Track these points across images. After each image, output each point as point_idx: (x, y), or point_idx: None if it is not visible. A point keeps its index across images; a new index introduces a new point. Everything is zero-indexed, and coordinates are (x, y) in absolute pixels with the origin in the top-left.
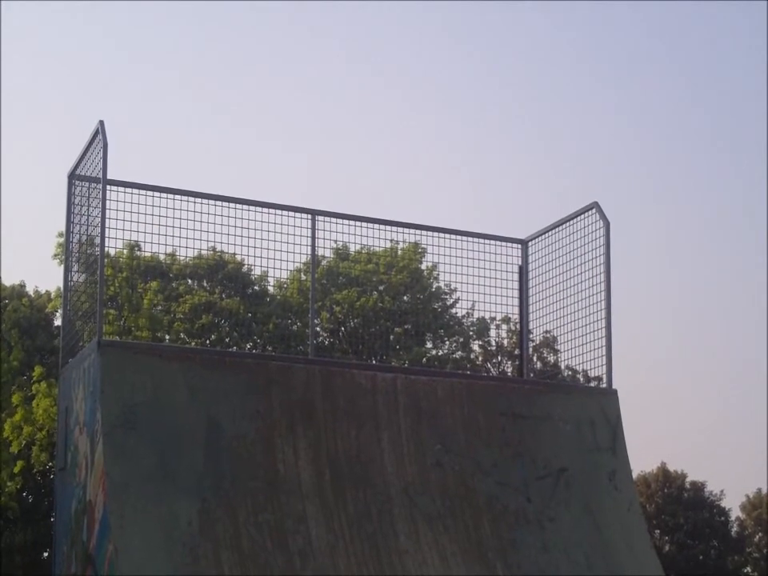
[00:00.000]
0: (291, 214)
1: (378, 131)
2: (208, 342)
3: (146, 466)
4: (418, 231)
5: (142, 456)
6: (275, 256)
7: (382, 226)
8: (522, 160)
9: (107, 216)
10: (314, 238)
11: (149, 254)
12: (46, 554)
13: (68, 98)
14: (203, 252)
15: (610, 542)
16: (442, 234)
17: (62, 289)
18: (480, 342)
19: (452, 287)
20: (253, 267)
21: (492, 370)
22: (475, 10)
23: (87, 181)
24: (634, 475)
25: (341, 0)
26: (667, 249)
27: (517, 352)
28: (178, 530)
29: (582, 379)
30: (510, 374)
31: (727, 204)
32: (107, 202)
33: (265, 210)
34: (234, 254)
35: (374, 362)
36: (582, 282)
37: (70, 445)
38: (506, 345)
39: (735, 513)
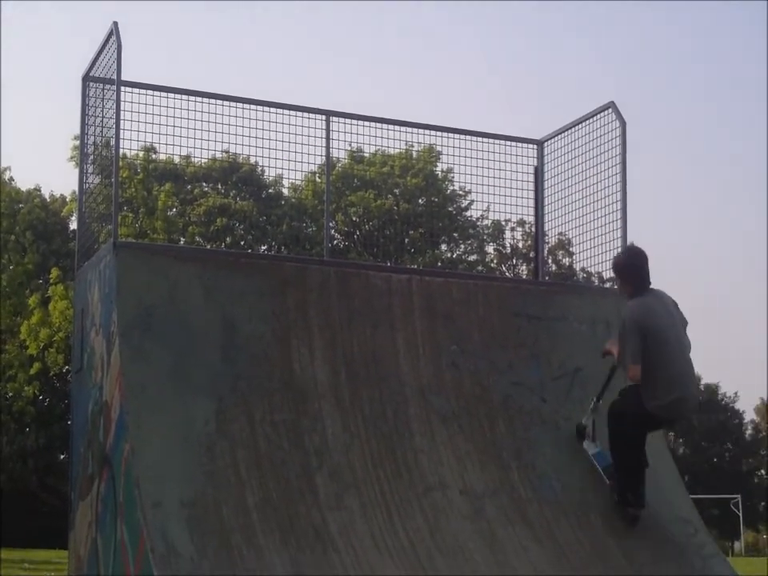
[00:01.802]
0: (306, 114)
1: (392, 30)
2: (223, 244)
3: (162, 366)
4: (433, 132)
5: (158, 357)
6: (290, 158)
7: (397, 128)
8: (537, 59)
9: (122, 118)
10: (328, 139)
11: (164, 157)
12: (62, 456)
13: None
14: (218, 155)
15: None
16: (456, 135)
17: (77, 192)
18: (495, 245)
19: (467, 189)
20: (267, 169)
21: (507, 272)
22: None
23: (102, 82)
24: None
25: None
26: (684, 149)
27: (532, 254)
28: (195, 429)
29: (596, 281)
30: (524, 276)
31: (747, 103)
32: (122, 104)
33: (279, 110)
34: (249, 155)
35: (388, 264)
36: (597, 182)
37: (86, 346)
38: (520, 247)
39: (749, 416)
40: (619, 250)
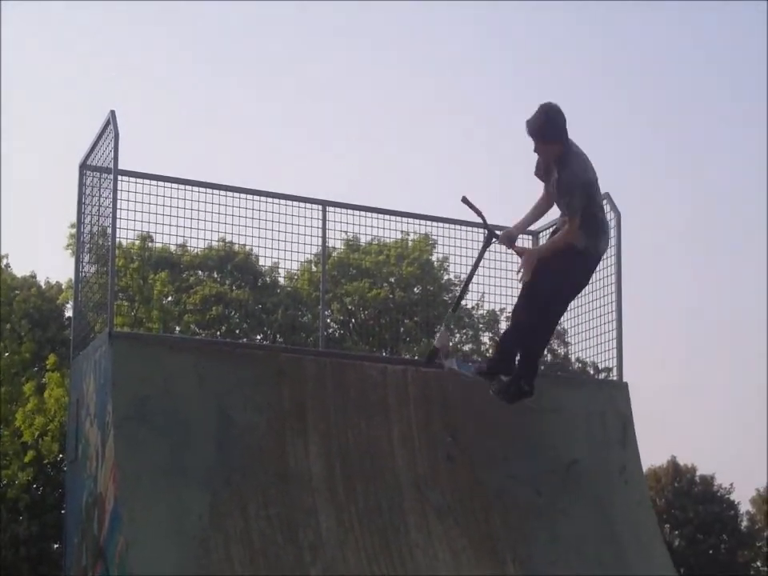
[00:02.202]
0: (302, 204)
1: (389, 123)
2: (218, 333)
3: (156, 458)
4: (428, 222)
5: (152, 448)
6: (286, 247)
7: (393, 217)
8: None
9: (118, 207)
10: (324, 229)
11: (160, 245)
12: (56, 546)
13: (80, 89)
14: (214, 243)
15: (620, 536)
16: (452, 225)
17: (73, 280)
18: (490, 334)
19: (462, 278)
20: (263, 258)
21: None
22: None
23: (98, 171)
24: (644, 469)
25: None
26: (680, 242)
27: None
28: (189, 523)
29: (592, 371)
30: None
31: (744, 199)
32: (118, 193)
33: (275, 200)
34: (245, 245)
35: (384, 353)
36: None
37: (80, 437)
38: None
39: (745, 507)
40: (614, 340)
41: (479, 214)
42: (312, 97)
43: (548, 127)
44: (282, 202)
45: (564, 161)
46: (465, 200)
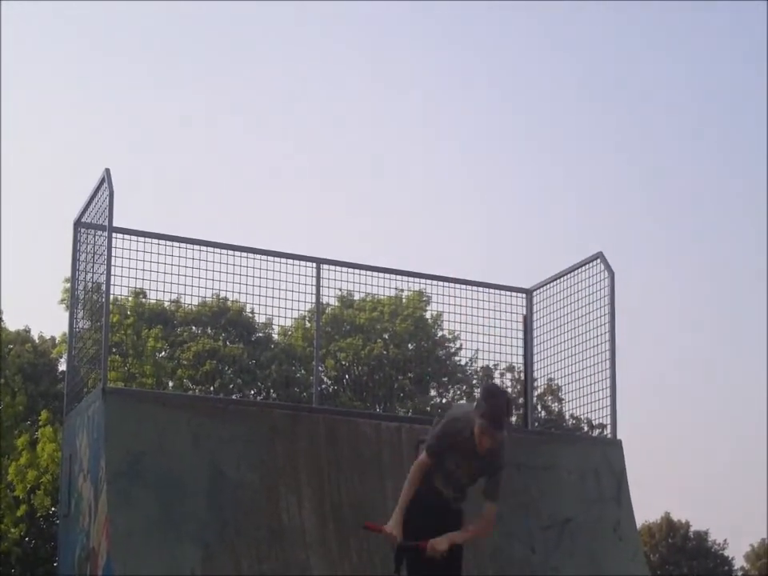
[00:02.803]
0: (296, 262)
1: (381, 179)
2: (212, 388)
3: (149, 513)
4: (422, 280)
5: (145, 504)
6: (280, 304)
7: (387, 275)
8: (526, 210)
9: (113, 264)
10: (318, 286)
11: (153, 301)
12: None
13: (75, 145)
14: (207, 299)
15: None
16: (446, 283)
17: (67, 334)
18: None
19: (456, 335)
20: (257, 314)
21: None
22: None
23: (93, 228)
24: (638, 525)
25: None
26: (674, 299)
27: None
28: None
29: (586, 427)
30: (514, 423)
31: (736, 256)
32: (113, 250)
33: (270, 258)
34: (238, 301)
35: (378, 409)
36: (587, 331)
37: (73, 491)
38: (509, 393)
39: (739, 562)
40: (608, 398)
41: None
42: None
43: (507, 406)
44: (276, 259)
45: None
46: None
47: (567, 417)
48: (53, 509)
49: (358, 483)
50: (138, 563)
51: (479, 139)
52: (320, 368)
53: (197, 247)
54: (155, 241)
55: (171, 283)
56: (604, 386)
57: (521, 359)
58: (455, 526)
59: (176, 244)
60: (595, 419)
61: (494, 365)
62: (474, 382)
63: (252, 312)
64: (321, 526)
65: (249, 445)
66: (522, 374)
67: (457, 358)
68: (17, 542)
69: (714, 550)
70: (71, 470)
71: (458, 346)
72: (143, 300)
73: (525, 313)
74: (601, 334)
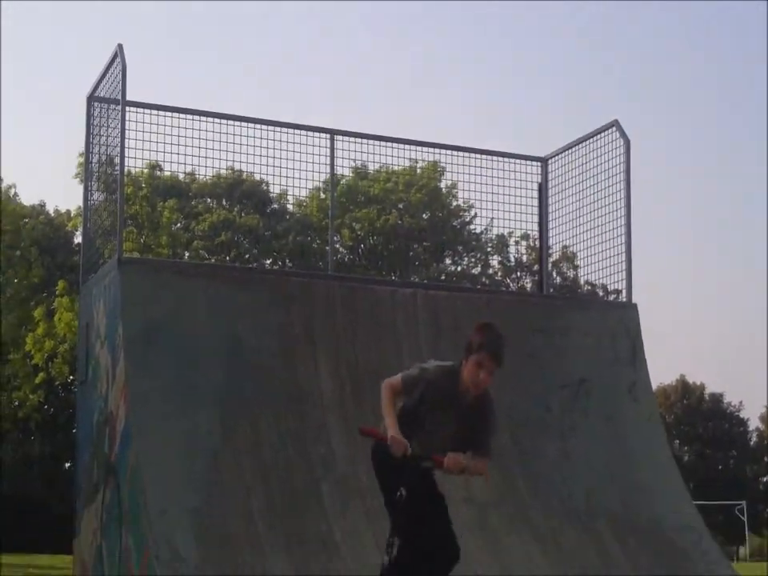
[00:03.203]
0: (310, 133)
1: (398, 48)
2: (227, 258)
3: (167, 379)
4: (437, 150)
5: (163, 370)
6: (294, 175)
7: (401, 146)
8: (543, 77)
9: (126, 137)
10: (332, 157)
11: (168, 174)
12: (67, 465)
13: (90, 19)
14: (222, 171)
15: (630, 452)
16: (461, 153)
17: (82, 207)
18: (499, 258)
19: (470, 204)
20: (272, 185)
21: (511, 285)
22: None
23: (106, 102)
24: (653, 387)
25: None
26: (689, 164)
27: (536, 268)
28: (200, 439)
29: (601, 294)
30: (529, 289)
31: (751, 117)
32: (126, 123)
33: (284, 129)
34: (254, 173)
35: (393, 278)
36: (602, 198)
37: (91, 359)
38: (525, 261)
39: (754, 423)
40: (624, 262)
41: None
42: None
43: (501, 349)
44: (291, 131)
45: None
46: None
47: (582, 283)
48: (71, 377)
49: (373, 348)
50: (156, 426)
51: (492, 4)
52: (335, 238)
53: (210, 119)
54: (169, 114)
55: (186, 155)
56: (619, 251)
57: (536, 227)
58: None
59: (189, 117)
60: (610, 284)
61: (509, 233)
62: (489, 250)
63: (267, 184)
64: (338, 389)
65: (266, 312)
66: (537, 242)
67: (471, 227)
68: (36, 409)
69: (730, 411)
70: (88, 338)
71: (472, 214)
72: (158, 173)
73: (540, 181)
74: (616, 200)
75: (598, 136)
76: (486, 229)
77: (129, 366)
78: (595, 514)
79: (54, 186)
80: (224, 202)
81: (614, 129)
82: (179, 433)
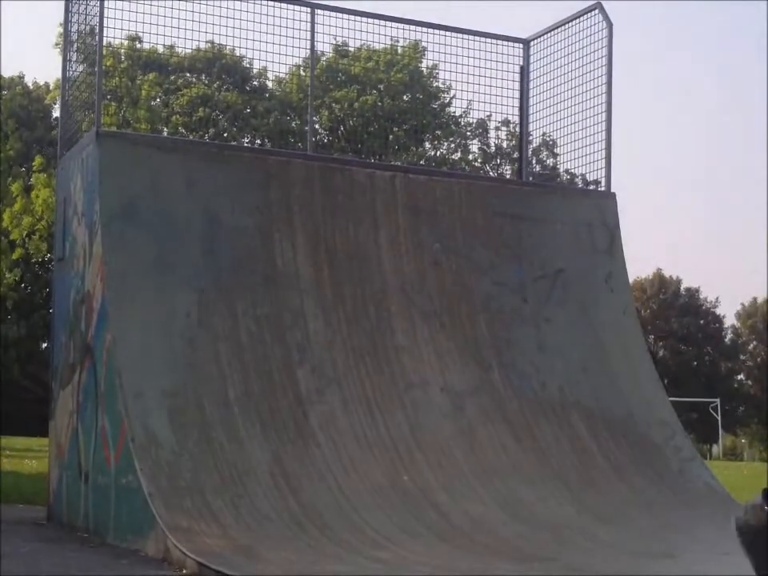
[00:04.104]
0: (290, 6)
1: None
2: (206, 135)
3: (144, 256)
4: (418, 29)
5: (140, 247)
6: (274, 50)
7: (383, 22)
8: None
9: (106, 6)
10: (313, 32)
11: (148, 46)
12: (44, 345)
13: None
14: (202, 45)
15: (604, 344)
16: (443, 32)
17: (60, 79)
18: (479, 144)
19: (451, 86)
20: (252, 61)
21: (491, 172)
22: None
23: None
24: (630, 280)
25: None
26: (670, 51)
27: (516, 155)
28: (177, 320)
29: (580, 183)
30: (508, 176)
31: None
32: None
33: (264, 2)
34: (234, 47)
35: (372, 161)
36: (583, 83)
37: (68, 235)
38: (504, 147)
39: (730, 321)
40: (603, 151)
41: None
42: None
43: None
44: (271, 3)
45: None
46: None
47: (562, 172)
48: (48, 255)
49: (352, 231)
50: (134, 306)
51: None
52: (314, 118)
53: None
54: None
55: (165, 26)
56: (599, 139)
57: (517, 111)
58: None
59: None
60: (590, 173)
61: (488, 116)
62: (469, 134)
63: (245, 58)
64: (315, 272)
65: (243, 191)
66: (518, 128)
67: (452, 109)
68: (12, 287)
69: (705, 307)
70: (65, 214)
71: (452, 95)
72: (138, 45)
73: (522, 64)
74: (597, 86)
75: (581, 18)
76: (466, 111)
77: (106, 243)
78: (569, 407)
79: (34, 58)
80: (203, 78)
81: (597, 11)
82: (156, 315)
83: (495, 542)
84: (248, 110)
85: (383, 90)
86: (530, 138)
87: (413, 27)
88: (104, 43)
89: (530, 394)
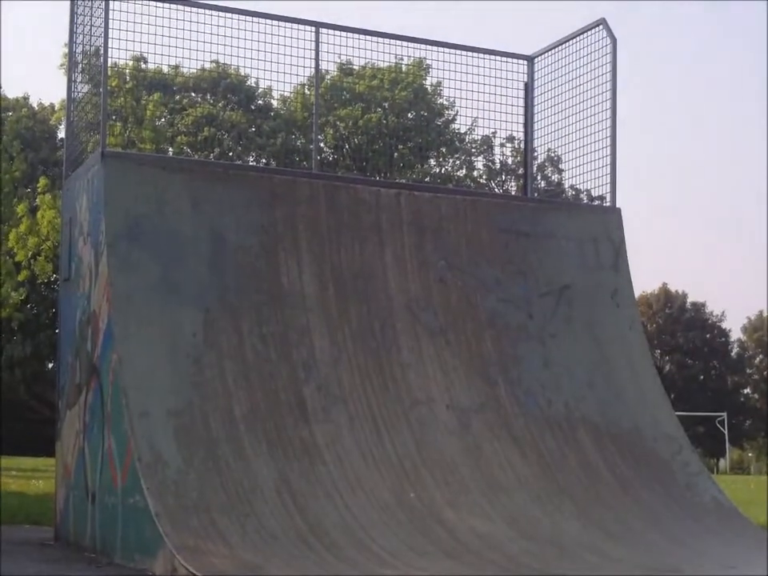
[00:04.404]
0: (295, 26)
1: None
2: (211, 155)
3: (150, 277)
4: (422, 46)
5: (146, 267)
6: (279, 69)
7: (387, 41)
8: None
9: (111, 27)
10: (317, 51)
11: (153, 67)
12: (50, 365)
13: None
14: (207, 65)
15: (611, 360)
16: (447, 50)
17: (66, 100)
18: (484, 161)
19: (456, 103)
20: (256, 81)
21: (495, 188)
22: None
23: None
24: (636, 295)
25: None
26: (675, 67)
27: (521, 171)
28: (183, 340)
29: (585, 198)
30: (513, 192)
31: (739, 15)
32: (111, 13)
33: (269, 21)
34: (238, 66)
35: (377, 179)
36: (587, 99)
37: (74, 256)
38: (509, 163)
39: (736, 335)
40: (608, 166)
41: None
42: None
43: None
44: (276, 23)
45: None
46: None
47: (567, 187)
48: (54, 275)
49: (357, 249)
50: (139, 326)
51: None
52: (319, 137)
53: (195, 10)
54: (153, 4)
55: (170, 46)
56: (604, 155)
57: (521, 128)
58: None
59: (174, 7)
60: (595, 188)
61: (493, 133)
62: (474, 151)
63: (250, 77)
64: (321, 291)
65: (249, 210)
66: (522, 144)
67: (456, 126)
68: (18, 308)
69: (711, 321)
70: (71, 234)
71: (456, 112)
72: (143, 65)
73: (526, 80)
74: (602, 102)
75: (585, 34)
76: (471, 128)
77: (111, 264)
78: (576, 423)
79: (38, 77)
80: (208, 97)
81: (601, 27)
82: (162, 334)
83: (502, 559)
84: (253, 129)
85: (388, 107)
86: (535, 154)
87: (417, 45)
88: (109, 63)
89: (536, 410)
